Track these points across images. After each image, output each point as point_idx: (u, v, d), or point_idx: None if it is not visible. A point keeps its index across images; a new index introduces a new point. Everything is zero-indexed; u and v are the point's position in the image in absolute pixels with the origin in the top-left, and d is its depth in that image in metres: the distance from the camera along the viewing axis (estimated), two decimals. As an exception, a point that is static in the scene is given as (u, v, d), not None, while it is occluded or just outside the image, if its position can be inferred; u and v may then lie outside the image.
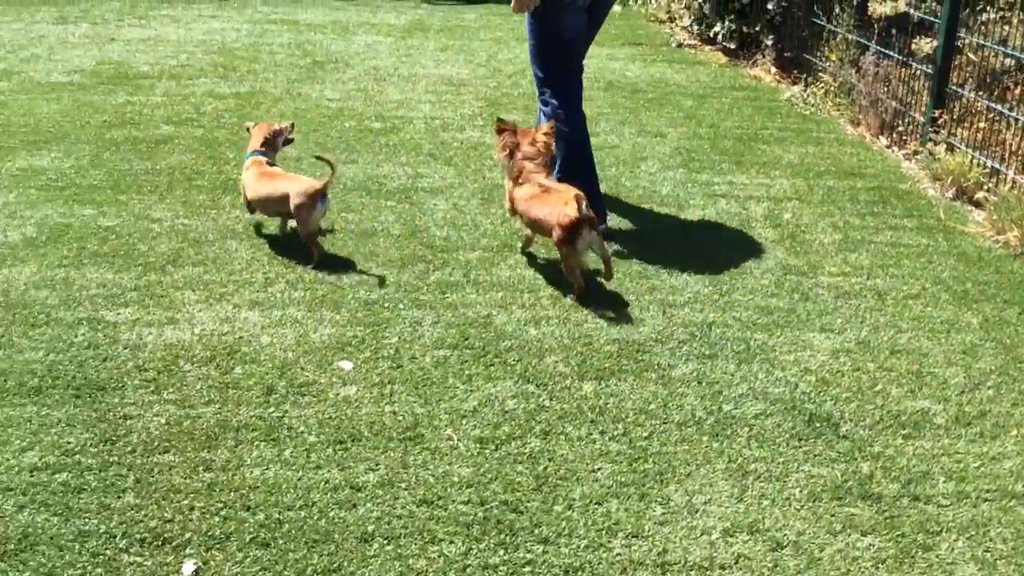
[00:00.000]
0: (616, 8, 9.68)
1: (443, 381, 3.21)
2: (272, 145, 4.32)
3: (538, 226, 3.92)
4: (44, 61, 7.06)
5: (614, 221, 4.64)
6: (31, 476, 2.64)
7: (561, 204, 3.72)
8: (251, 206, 4.21)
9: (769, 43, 7.89)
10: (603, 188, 4.98)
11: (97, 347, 3.29)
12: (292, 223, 4.11)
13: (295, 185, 3.98)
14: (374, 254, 4.14)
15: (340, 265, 4.01)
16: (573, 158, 4.39)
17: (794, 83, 7.52)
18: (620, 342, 3.51)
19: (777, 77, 7.79)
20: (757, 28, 8.02)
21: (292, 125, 4.51)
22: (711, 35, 8.68)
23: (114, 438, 2.82)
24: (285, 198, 3.96)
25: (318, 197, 3.94)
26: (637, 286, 3.98)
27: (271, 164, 4.24)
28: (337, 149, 5.46)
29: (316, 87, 6.76)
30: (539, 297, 3.83)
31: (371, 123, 5.98)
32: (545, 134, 4.09)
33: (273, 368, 3.24)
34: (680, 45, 8.91)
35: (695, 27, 9.04)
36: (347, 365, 3.28)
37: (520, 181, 3.99)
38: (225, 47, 7.79)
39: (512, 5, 4.25)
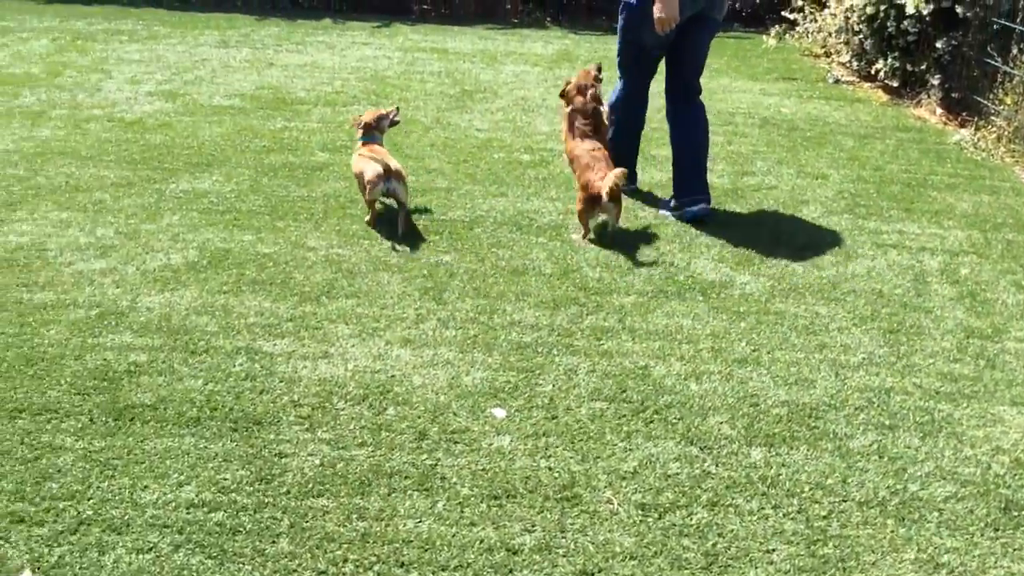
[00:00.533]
0: (771, 42, 9.41)
1: (600, 437, 3.06)
2: (378, 128, 4.93)
3: (578, 171, 4.70)
4: (207, 84, 7.30)
5: (776, 269, 4.40)
6: (187, 513, 2.61)
7: (601, 175, 4.50)
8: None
9: (935, 83, 7.47)
10: (761, 231, 4.84)
11: (254, 378, 3.28)
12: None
13: (371, 162, 4.56)
14: (526, 293, 4.03)
15: (492, 304, 3.92)
16: (620, 140, 5.10)
17: (962, 126, 7.08)
18: (790, 405, 3.28)
19: (943, 118, 7.36)
20: (923, 67, 7.61)
21: (397, 109, 5.11)
22: (871, 72, 8.30)
23: (269, 477, 2.78)
24: (362, 172, 4.57)
25: (384, 176, 4.50)
26: (805, 342, 3.73)
27: (379, 144, 4.86)
28: (487, 181, 5.40)
29: (465, 117, 6.75)
30: (699, 349, 3.64)
31: (520, 155, 5.91)
32: (595, 93, 4.86)
33: (425, 412, 3.15)
34: (837, 81, 8.55)
35: (854, 63, 8.67)
36: (500, 413, 3.16)
37: (576, 135, 4.80)
38: (378, 75, 7.90)
39: (656, 27, 4.59)
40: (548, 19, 11.40)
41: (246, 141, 5.93)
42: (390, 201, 4.80)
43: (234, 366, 3.35)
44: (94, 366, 3.30)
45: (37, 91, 6.87)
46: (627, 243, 4.60)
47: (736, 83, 8.31)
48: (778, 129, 6.82)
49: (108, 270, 4.04)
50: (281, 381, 3.27)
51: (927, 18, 7.31)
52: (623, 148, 5.12)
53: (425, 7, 11.81)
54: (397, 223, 4.61)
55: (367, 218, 4.67)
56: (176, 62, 8.00)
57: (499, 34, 10.21)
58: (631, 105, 5.09)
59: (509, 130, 6.47)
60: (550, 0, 11.64)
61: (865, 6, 7.94)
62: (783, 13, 9.71)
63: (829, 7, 8.94)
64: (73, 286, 3.88)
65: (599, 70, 5.02)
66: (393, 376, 3.35)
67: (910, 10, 7.36)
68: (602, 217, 4.62)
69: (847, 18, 8.47)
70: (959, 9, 7.03)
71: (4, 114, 6.27)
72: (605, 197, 4.40)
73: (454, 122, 6.59)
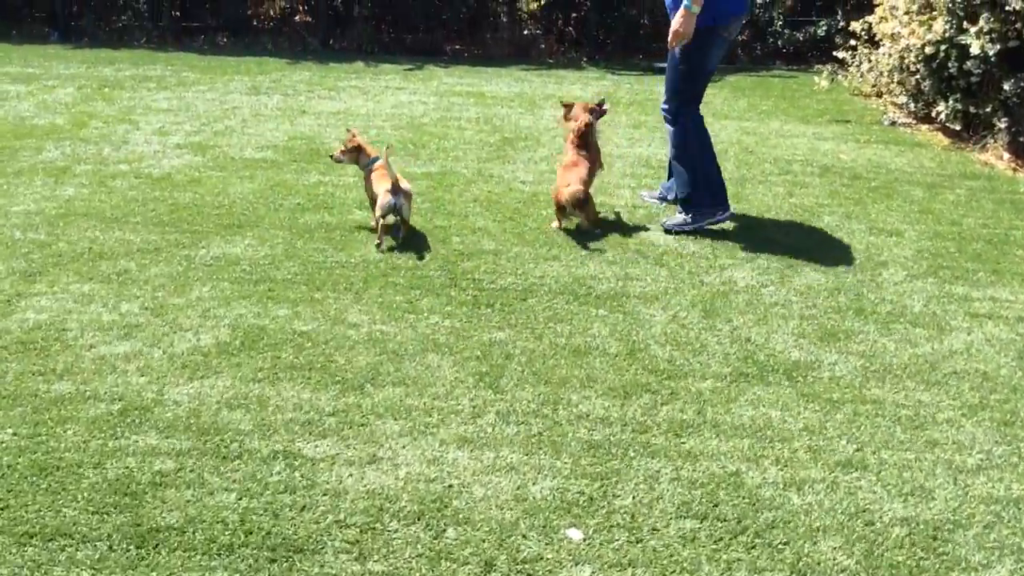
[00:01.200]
0: (823, 83, 9.02)
1: (696, 568, 2.64)
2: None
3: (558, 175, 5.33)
4: (238, 135, 7.00)
5: (865, 345, 3.98)
6: (222, 677, 2.22)
7: (566, 183, 5.07)
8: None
9: (1003, 126, 7.05)
10: (841, 299, 4.45)
11: (294, 491, 2.89)
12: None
13: (383, 182, 4.82)
14: (591, 379, 3.63)
15: (555, 392, 3.52)
16: (702, 167, 5.12)
17: (1034, 172, 6.67)
18: (909, 522, 2.85)
19: (1012, 164, 6.93)
20: (988, 109, 7.19)
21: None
22: (929, 114, 7.89)
23: (315, 625, 2.39)
24: (377, 192, 4.83)
25: (391, 192, 4.74)
26: (912, 438, 3.30)
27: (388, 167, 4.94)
28: (537, 242, 5.03)
29: (508, 167, 6.40)
30: (794, 449, 3.22)
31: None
32: (585, 124, 5.28)
33: (490, 533, 2.74)
34: (893, 123, 8.15)
35: (910, 104, 8.27)
36: (576, 535, 2.75)
37: (568, 147, 5.34)
38: (414, 122, 7.57)
39: (670, 40, 4.85)
40: (584, 59, 11.11)
41: (279, 198, 5.60)
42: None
43: (271, 475, 2.96)
44: (115, 476, 2.92)
45: (62, 144, 6.59)
46: (696, 314, 4.20)
47: (788, 127, 7.93)
48: (840, 178, 6.42)
49: (132, 354, 3.68)
50: (324, 494, 2.88)
51: (992, 59, 6.91)
52: (717, 174, 5.20)
53: (457, 47, 11.55)
54: (398, 231, 4.92)
55: (378, 243, 4.83)
56: (206, 111, 7.72)
57: (535, 75, 9.91)
58: (700, 131, 5.15)
59: (555, 182, 6.10)
60: (586, 39, 11.35)
61: (923, 46, 7.55)
62: (834, 53, 9.31)
63: (884, 46, 8.55)
64: (94, 374, 3.52)
65: (601, 104, 5.45)
66: (451, 486, 2.95)
67: (975, 51, 6.96)
68: (574, 218, 5.17)
69: (903, 58, 8.07)
70: (1029, 50, 6.63)
71: (27, 170, 5.98)
72: (567, 206, 5.03)
73: (497, 174, 6.24)
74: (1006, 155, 7.06)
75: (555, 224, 5.21)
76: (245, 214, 5.32)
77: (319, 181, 5.96)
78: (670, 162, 5.39)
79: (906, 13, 8.10)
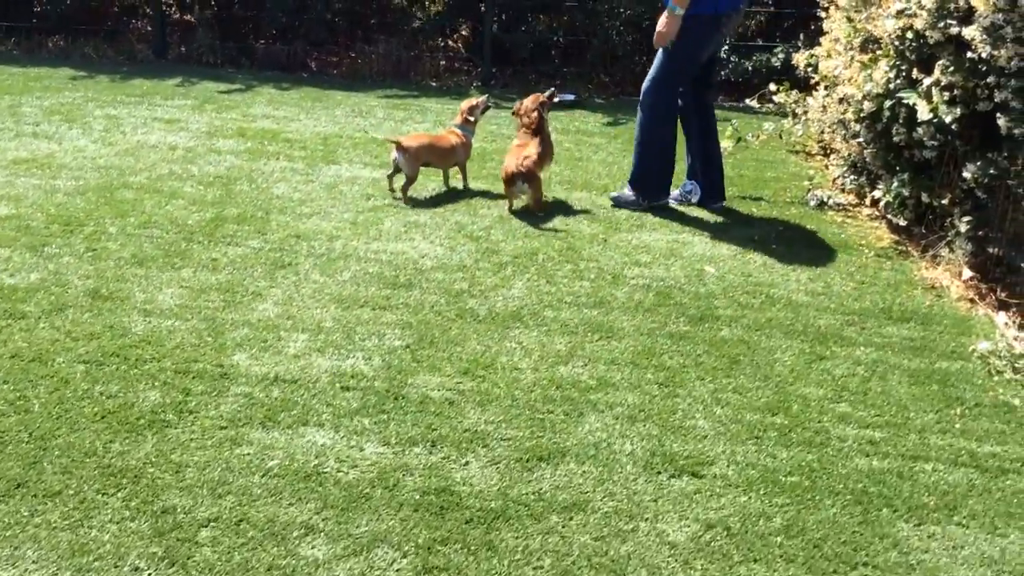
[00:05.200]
0: (726, 144, 6.49)
1: None
2: None
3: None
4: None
5: None
6: None
7: (513, 159, 5.09)
8: None
9: (963, 228, 4.57)
10: None
11: None
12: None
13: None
14: None
15: None
16: (665, 153, 5.26)
17: (1002, 307, 4.24)
18: None
19: (971, 289, 4.48)
20: (946, 200, 4.74)
21: None
22: (871, 195, 5.45)
23: None
24: None
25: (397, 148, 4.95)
26: None
27: None
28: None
29: (168, 290, 4.06)
30: None
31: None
32: (533, 112, 5.34)
33: None
34: (822, 204, 5.68)
35: (847, 177, 5.82)
36: None
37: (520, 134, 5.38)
38: (116, 181, 5.25)
39: (655, 40, 4.93)
40: (477, 84, 8.78)
41: None
42: None
43: None
44: None
45: None
46: None
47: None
48: (673, 318, 3.99)
49: None
50: None
51: (953, 127, 4.47)
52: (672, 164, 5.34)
53: (331, 60, 9.29)
54: None
55: None
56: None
57: (384, 107, 7.58)
58: (673, 116, 5.24)
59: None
60: (481, 59, 8.99)
61: (863, 99, 5.11)
62: (772, 92, 6.77)
63: (817, 92, 6.09)
64: None
65: (551, 97, 5.50)
66: None
67: (923, 115, 4.53)
68: (521, 196, 5.07)
69: (844, 111, 5.61)
70: (1002, 121, 4.17)
71: None
72: (517, 180, 4.98)
73: (131, 304, 3.92)
74: (966, 272, 4.60)
75: (508, 206, 5.14)
76: None
77: None
78: (690, 159, 5.45)
79: (849, 48, 5.65)
